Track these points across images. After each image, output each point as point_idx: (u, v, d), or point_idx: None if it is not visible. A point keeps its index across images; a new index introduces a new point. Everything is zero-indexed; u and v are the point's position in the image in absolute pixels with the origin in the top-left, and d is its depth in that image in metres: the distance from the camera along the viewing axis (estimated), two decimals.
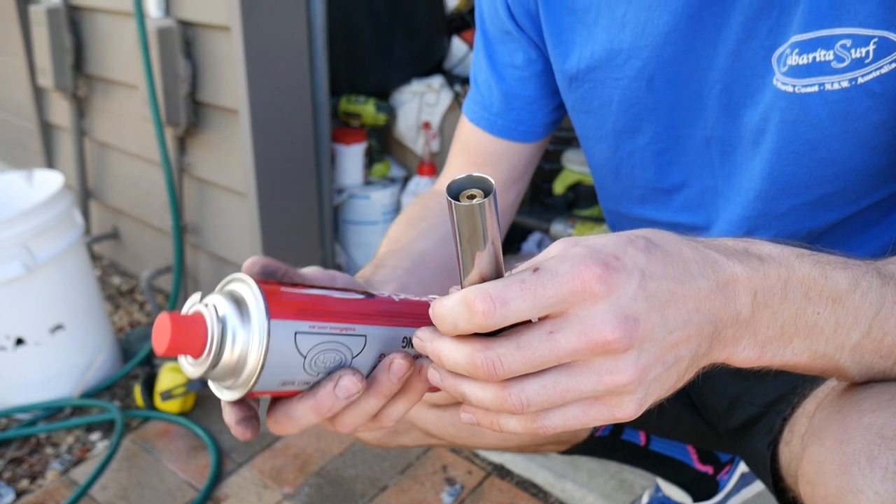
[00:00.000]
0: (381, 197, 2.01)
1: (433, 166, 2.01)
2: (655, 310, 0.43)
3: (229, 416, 0.50)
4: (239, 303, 0.46)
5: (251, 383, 0.46)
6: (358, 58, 1.99)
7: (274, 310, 0.46)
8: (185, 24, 1.67)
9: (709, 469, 1.17)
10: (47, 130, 2.35)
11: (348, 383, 0.48)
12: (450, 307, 0.43)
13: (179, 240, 1.79)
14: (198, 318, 0.46)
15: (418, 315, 0.53)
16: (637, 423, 1.02)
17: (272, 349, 0.45)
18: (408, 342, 0.53)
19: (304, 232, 1.78)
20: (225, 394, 0.48)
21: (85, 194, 2.19)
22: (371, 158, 2.05)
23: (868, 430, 0.50)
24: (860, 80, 0.61)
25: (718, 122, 0.72)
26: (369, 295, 0.53)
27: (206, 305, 0.47)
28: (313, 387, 0.49)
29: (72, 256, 1.65)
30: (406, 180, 2.11)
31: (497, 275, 0.44)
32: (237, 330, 0.46)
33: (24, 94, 2.31)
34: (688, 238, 0.47)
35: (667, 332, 0.43)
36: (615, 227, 0.93)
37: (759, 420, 0.80)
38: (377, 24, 1.98)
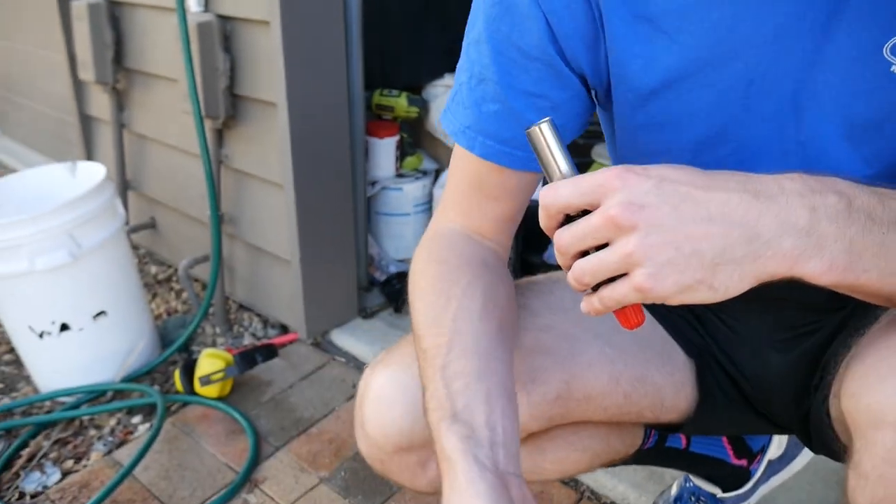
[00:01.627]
0: (413, 189, 2.04)
1: None
2: (667, 205, 0.52)
3: None
4: None
5: None
6: (391, 52, 2.02)
7: None
8: (225, 19, 1.71)
9: (743, 462, 1.18)
10: (87, 123, 2.41)
11: None
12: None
13: (218, 229, 1.83)
14: None
15: None
16: (698, 429, 0.99)
17: None
18: None
19: (338, 223, 1.81)
20: None
21: (123, 185, 2.24)
22: (403, 151, 2.08)
23: None
24: None
25: (818, 123, 0.68)
26: None
27: None
28: None
29: (114, 245, 1.70)
30: (438, 173, 2.14)
31: None
32: None
33: (65, 88, 2.37)
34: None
35: (678, 223, 0.52)
36: None
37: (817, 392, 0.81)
38: (410, 19, 2.01)
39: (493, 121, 0.74)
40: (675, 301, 0.54)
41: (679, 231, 0.52)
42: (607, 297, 0.56)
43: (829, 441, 0.78)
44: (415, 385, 0.77)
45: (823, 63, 0.65)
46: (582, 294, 0.59)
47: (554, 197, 0.56)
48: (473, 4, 0.74)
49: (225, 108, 1.76)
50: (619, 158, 0.84)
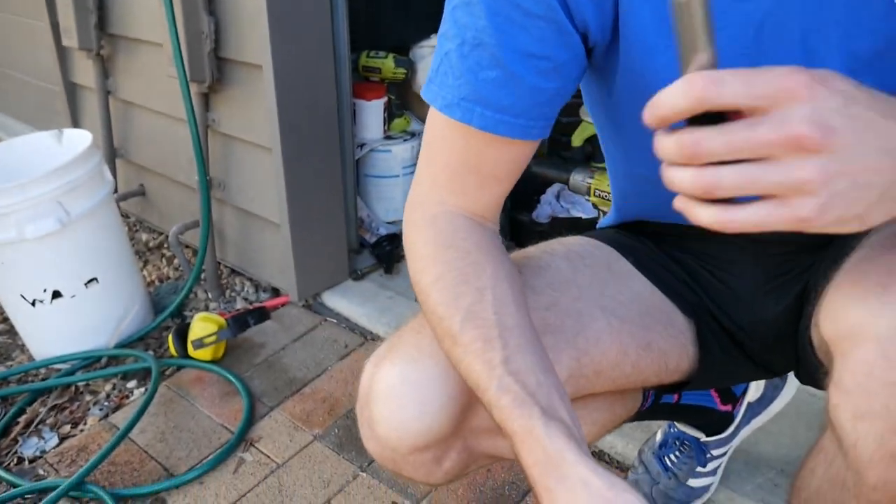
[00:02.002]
0: (401, 151, 2.04)
1: None
2: (853, 130, 0.47)
3: None
4: None
5: None
6: (377, 13, 2.00)
7: None
8: None
9: (729, 407, 1.21)
10: (72, 91, 2.39)
11: None
12: (672, 89, 0.48)
13: (207, 194, 1.83)
14: None
15: None
16: (698, 386, 0.99)
17: None
18: None
19: (327, 186, 1.82)
20: None
21: (111, 153, 2.23)
22: (391, 113, 2.08)
23: (881, 265, 0.55)
24: None
25: (825, 61, 0.68)
26: None
27: None
28: None
29: (103, 212, 1.70)
30: None
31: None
32: None
33: (49, 56, 2.35)
34: None
35: (861, 153, 0.47)
36: (646, 193, 0.89)
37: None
38: None
39: (492, 88, 0.70)
40: (821, 231, 0.50)
41: (859, 161, 0.47)
42: (741, 220, 0.49)
43: (812, 370, 0.79)
44: (425, 380, 0.75)
45: (832, 1, 0.65)
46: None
47: (717, 90, 0.46)
48: None
49: (210, 71, 1.75)
50: (618, 118, 0.82)
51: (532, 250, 0.88)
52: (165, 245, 2.24)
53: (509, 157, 0.76)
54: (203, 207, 1.84)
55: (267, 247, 1.90)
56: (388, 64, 2.01)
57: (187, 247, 2.15)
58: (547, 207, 1.95)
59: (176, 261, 2.14)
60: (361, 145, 2.02)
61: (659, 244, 0.94)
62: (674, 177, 0.50)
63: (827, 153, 0.46)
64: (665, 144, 0.50)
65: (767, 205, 0.48)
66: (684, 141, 0.48)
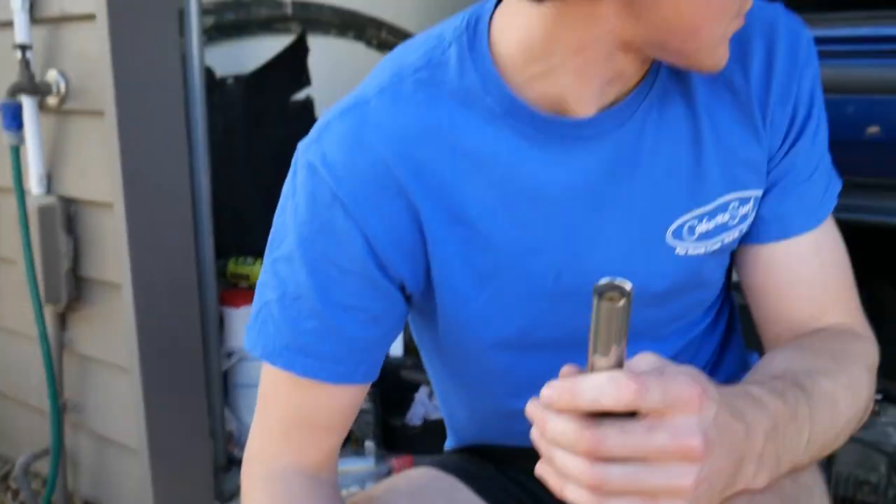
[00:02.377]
0: None
1: None
2: (720, 439, 0.50)
3: None
4: None
5: None
6: (244, 220, 2.03)
7: None
8: (68, 201, 1.67)
9: None
10: None
11: None
12: (600, 385, 0.47)
13: (58, 420, 1.71)
14: None
15: None
16: None
17: None
18: None
19: (191, 402, 1.73)
20: None
21: None
22: None
23: None
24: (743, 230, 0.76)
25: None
26: None
27: None
28: None
29: None
30: None
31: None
32: None
33: None
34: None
35: (722, 459, 0.50)
36: (484, 425, 0.92)
37: None
38: (263, 188, 2.03)
39: (313, 338, 0.72)
40: None
41: (718, 467, 0.51)
42: None
43: None
44: None
45: (621, 248, 0.74)
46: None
47: (643, 398, 0.47)
48: (277, 221, 0.74)
49: (68, 291, 1.69)
50: (442, 354, 0.85)
51: (377, 490, 0.88)
52: (12, 476, 2.04)
53: (338, 402, 0.76)
54: (53, 434, 1.71)
55: (124, 474, 1.76)
56: (256, 270, 2.01)
57: (38, 476, 1.96)
58: (420, 408, 1.93)
59: (22, 495, 1.94)
60: (230, 354, 1.96)
61: (498, 465, 0.95)
62: (564, 463, 0.50)
63: (701, 462, 0.49)
64: (561, 429, 0.49)
65: (641, 500, 0.49)
66: (587, 437, 0.48)
